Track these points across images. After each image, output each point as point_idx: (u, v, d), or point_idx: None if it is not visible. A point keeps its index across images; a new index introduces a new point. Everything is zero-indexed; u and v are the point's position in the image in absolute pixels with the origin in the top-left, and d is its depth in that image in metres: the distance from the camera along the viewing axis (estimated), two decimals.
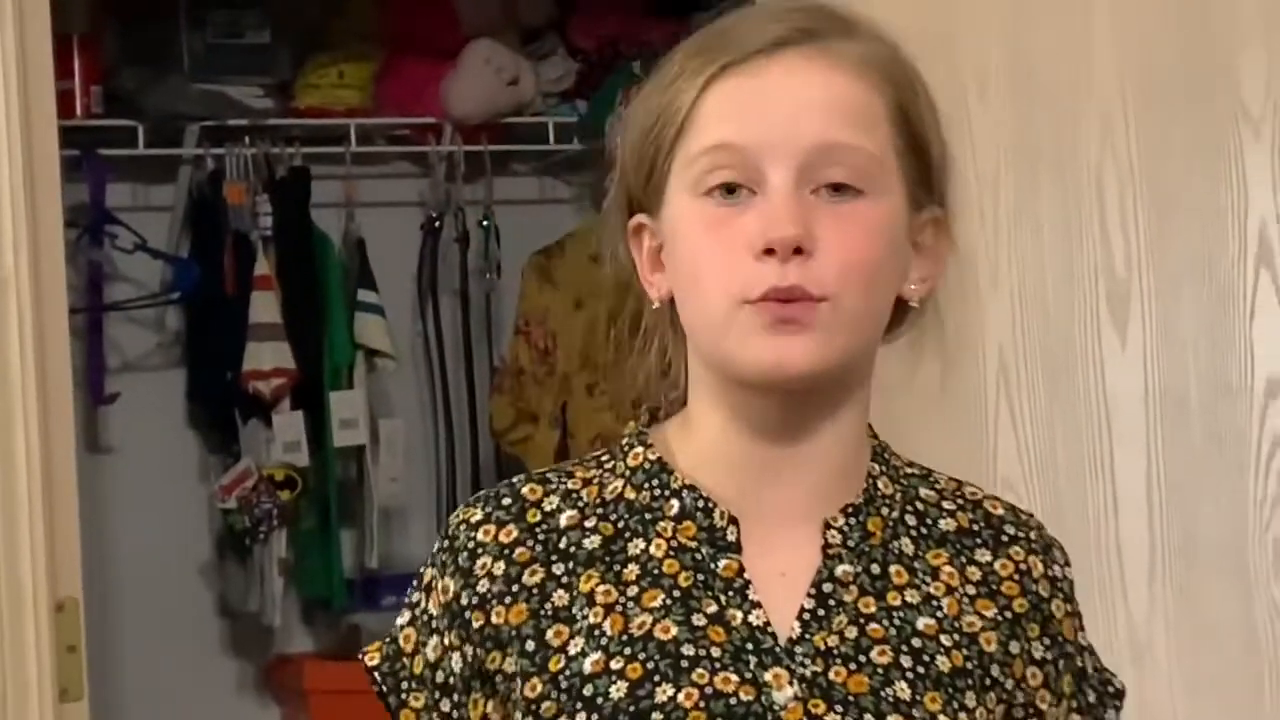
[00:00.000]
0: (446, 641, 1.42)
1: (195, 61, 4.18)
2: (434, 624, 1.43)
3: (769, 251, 1.33)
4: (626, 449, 1.45)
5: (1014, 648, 1.42)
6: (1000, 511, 1.47)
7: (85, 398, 4.17)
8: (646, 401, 1.48)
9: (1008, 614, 1.42)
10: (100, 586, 4.09)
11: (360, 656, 1.47)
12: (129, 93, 4.15)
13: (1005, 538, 1.45)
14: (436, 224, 4.38)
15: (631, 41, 4.23)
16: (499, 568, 1.41)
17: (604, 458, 1.47)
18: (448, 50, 4.31)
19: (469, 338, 4.41)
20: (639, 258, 1.45)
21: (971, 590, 1.42)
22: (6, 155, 2.28)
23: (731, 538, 1.40)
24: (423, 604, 1.44)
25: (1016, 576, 1.44)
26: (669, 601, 1.38)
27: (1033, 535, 1.47)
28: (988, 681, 1.40)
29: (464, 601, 1.41)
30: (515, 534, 1.41)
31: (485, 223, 4.38)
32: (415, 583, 1.46)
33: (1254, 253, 2.18)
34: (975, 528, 1.45)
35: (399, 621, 1.46)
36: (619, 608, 1.38)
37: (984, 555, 1.44)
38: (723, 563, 1.39)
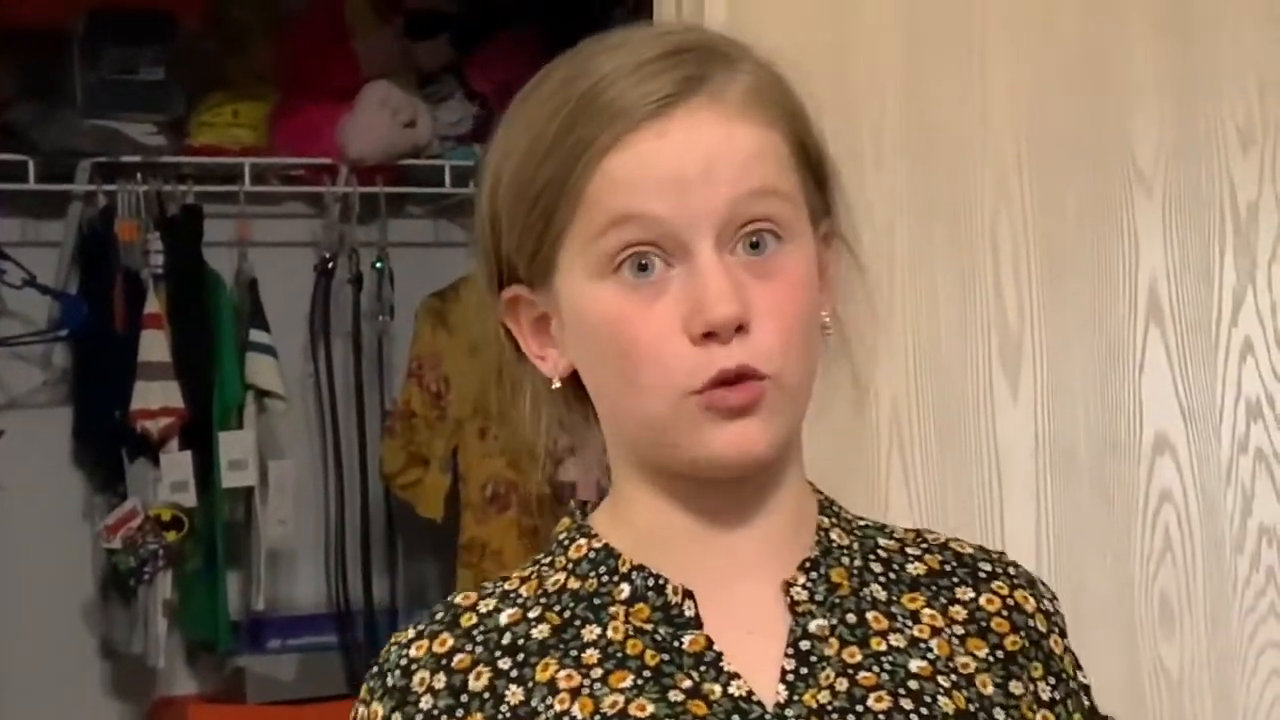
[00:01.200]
0: None
1: (89, 97, 4.15)
2: None
3: (708, 335, 1.26)
4: (566, 543, 1.37)
5: (1015, 688, 1.34)
6: (970, 550, 1.41)
7: None
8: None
9: (999, 653, 1.35)
10: None
11: None
12: (20, 127, 4.11)
13: (983, 574, 1.39)
14: (330, 265, 4.36)
15: None
16: (439, 680, 1.31)
17: (540, 558, 1.38)
18: (344, 91, 4.30)
19: (360, 380, 4.39)
20: (518, 331, 1.36)
21: (960, 630, 1.35)
22: None
23: (689, 613, 1.32)
24: None
25: (1005, 612, 1.37)
26: (639, 681, 1.29)
27: (1012, 570, 1.40)
28: None
29: None
30: (451, 642, 1.32)
31: (379, 265, 4.36)
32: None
33: (1144, 309, 2.20)
34: (948, 568, 1.39)
35: None
36: (585, 690, 1.29)
37: (966, 593, 1.37)
38: (687, 638, 1.31)
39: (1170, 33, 2.21)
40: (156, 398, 4.02)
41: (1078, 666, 1.41)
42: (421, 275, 4.35)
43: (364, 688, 1.34)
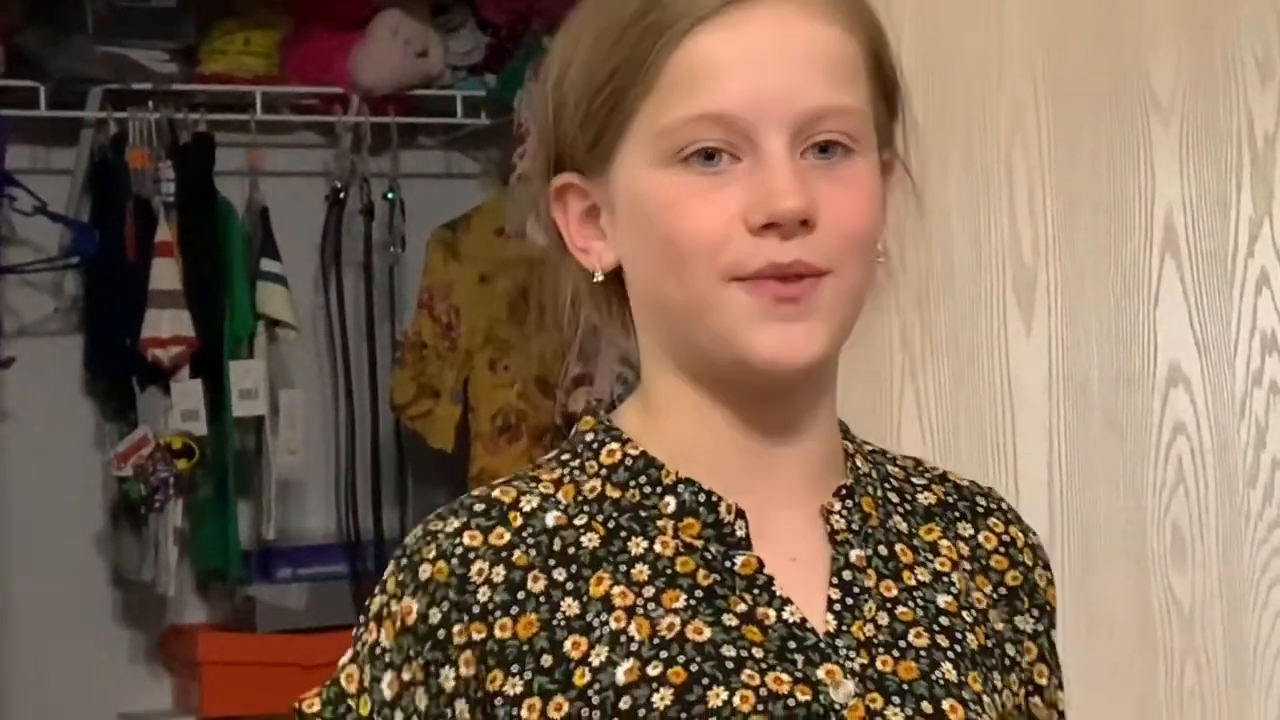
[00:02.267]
0: (408, 675, 1.25)
1: (99, 23, 4.12)
2: (388, 657, 1.26)
3: (768, 226, 1.22)
4: (596, 446, 1.31)
5: (1020, 623, 1.35)
6: (966, 483, 1.40)
7: None
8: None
9: (1002, 590, 1.35)
10: None
11: (296, 705, 1.29)
12: (31, 53, 4.09)
13: (980, 509, 1.38)
14: (341, 195, 4.35)
15: (543, 16, 4.21)
16: (499, 574, 1.25)
17: (565, 457, 1.32)
18: (356, 20, 4.28)
19: (371, 310, 4.39)
20: (564, 222, 1.31)
21: (968, 565, 1.34)
22: None
23: (741, 533, 1.27)
24: (372, 636, 1.27)
25: (1002, 549, 1.37)
26: (693, 601, 1.25)
27: (1004, 505, 1.40)
28: (1007, 662, 1.33)
29: (437, 619, 1.24)
30: (508, 537, 1.26)
31: (390, 195, 4.35)
32: (361, 618, 1.29)
33: (1159, 242, 2.20)
34: (950, 499, 1.37)
35: (341, 661, 1.29)
36: (640, 610, 1.24)
37: (966, 529, 1.37)
38: (739, 559, 1.27)
39: None
40: (167, 326, 4.01)
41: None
42: (433, 206, 4.33)
43: (385, 583, 1.27)
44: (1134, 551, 2.19)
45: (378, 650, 1.26)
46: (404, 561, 1.27)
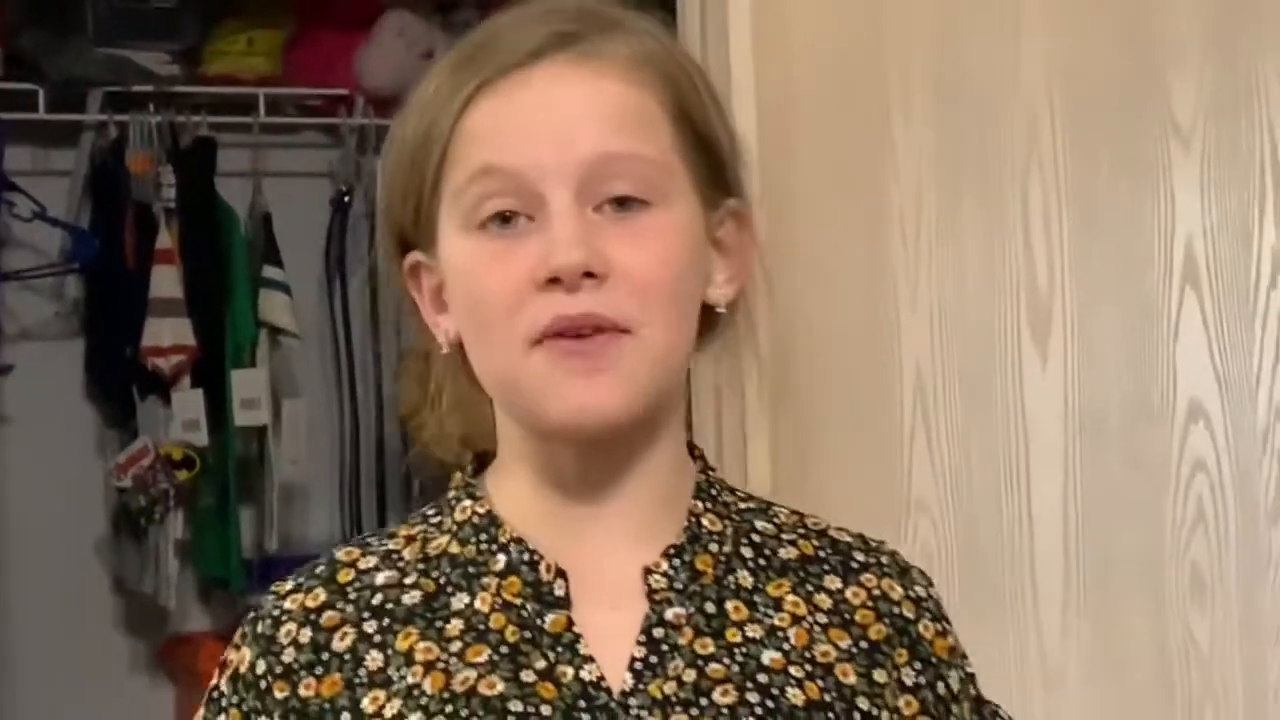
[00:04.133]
0: (237, 716, 1.32)
1: (100, 25, 4.10)
2: (223, 701, 1.33)
3: (553, 281, 1.24)
4: (454, 503, 1.36)
5: (879, 676, 1.34)
6: (848, 539, 1.40)
7: None
8: (445, 456, 1.40)
9: (863, 643, 1.35)
10: None
11: None
12: (30, 55, 4.06)
13: (855, 564, 1.38)
14: (346, 198, 4.31)
15: None
16: (305, 635, 1.31)
17: (430, 512, 1.38)
18: (361, 20, 4.26)
19: (377, 316, 4.34)
20: (420, 299, 1.35)
21: (823, 619, 1.35)
22: None
23: (560, 592, 1.31)
24: (214, 681, 1.34)
25: (871, 603, 1.37)
26: (495, 658, 1.29)
27: (884, 560, 1.40)
28: (856, 715, 1.32)
29: (261, 670, 1.31)
30: (323, 597, 1.32)
31: None
32: (217, 671, 1.36)
33: (1180, 270, 2.13)
34: (821, 554, 1.38)
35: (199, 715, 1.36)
36: (440, 665, 1.29)
37: (834, 582, 1.37)
38: (550, 618, 1.31)
39: None
40: (168, 335, 3.99)
41: (961, 655, 1.40)
42: None
43: (239, 631, 1.35)
44: (1152, 590, 2.13)
45: (215, 694, 1.34)
46: (250, 614, 1.35)
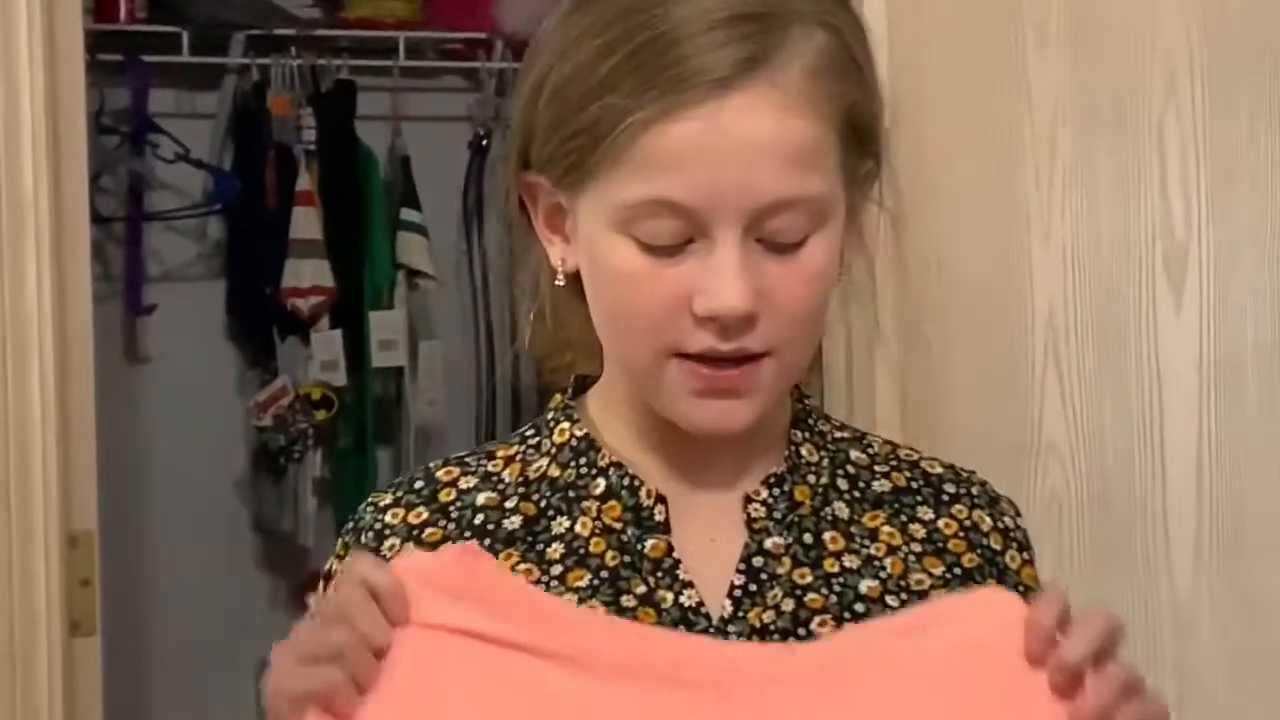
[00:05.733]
0: None
1: None
2: None
3: (713, 317, 1.24)
4: (552, 425, 1.38)
5: None
6: (939, 470, 1.42)
7: (124, 308, 4.14)
8: (551, 365, 1.41)
9: (957, 570, 1.36)
10: (135, 494, 4.08)
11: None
12: None
13: (946, 496, 1.40)
14: (484, 142, 4.31)
15: None
16: (409, 550, 1.32)
17: (529, 433, 1.39)
18: None
19: (514, 259, 4.34)
20: (533, 209, 1.34)
21: (917, 548, 1.37)
22: (27, 64, 2.20)
23: (660, 517, 1.33)
24: (319, 594, 1.34)
25: (962, 533, 1.38)
26: (596, 582, 1.31)
27: (975, 490, 1.41)
28: None
29: None
30: (425, 515, 1.34)
31: None
32: (321, 582, 1.37)
33: None
34: (914, 485, 1.40)
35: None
36: (541, 588, 1.30)
37: (926, 513, 1.39)
38: (650, 543, 1.32)
39: None
40: (307, 276, 4.01)
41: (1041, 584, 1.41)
42: None
43: (339, 542, 1.37)
44: None
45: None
46: (349, 525, 1.37)
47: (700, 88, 1.22)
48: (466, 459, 1.38)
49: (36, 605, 2.16)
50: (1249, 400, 2.10)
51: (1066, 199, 2.09)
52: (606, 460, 1.34)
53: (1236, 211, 2.09)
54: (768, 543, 1.33)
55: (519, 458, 1.37)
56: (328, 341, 4.04)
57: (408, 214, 4.14)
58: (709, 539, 1.33)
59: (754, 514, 1.34)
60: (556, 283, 1.34)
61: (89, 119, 2.50)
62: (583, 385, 1.40)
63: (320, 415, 4.02)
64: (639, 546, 1.32)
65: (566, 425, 1.37)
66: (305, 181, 4.03)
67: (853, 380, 2.10)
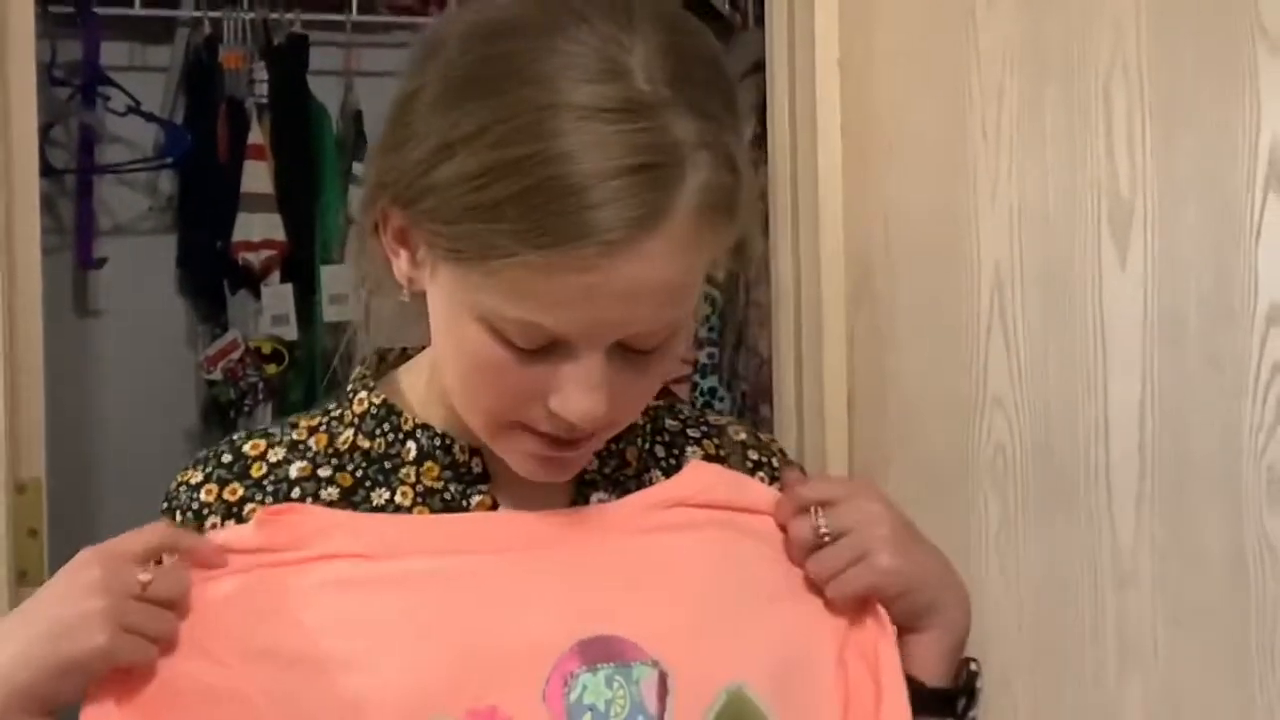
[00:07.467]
0: None
1: None
2: None
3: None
4: (351, 395, 1.38)
5: None
6: (743, 437, 1.46)
7: (75, 261, 4.13)
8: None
9: None
10: (84, 448, 4.07)
11: None
12: None
13: (750, 464, 1.44)
14: None
15: None
16: (229, 527, 1.32)
17: (330, 406, 1.40)
18: None
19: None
20: (382, 225, 1.28)
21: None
22: None
23: (478, 469, 1.34)
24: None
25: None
26: None
27: (775, 462, 1.46)
28: None
29: None
30: (241, 491, 1.34)
31: None
32: None
33: (1263, 174, 2.11)
34: (721, 454, 1.44)
35: None
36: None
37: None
38: (475, 499, 1.34)
39: None
40: (258, 230, 4.00)
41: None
42: None
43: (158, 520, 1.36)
44: (1229, 493, 2.11)
45: None
46: (163, 506, 1.39)
47: (594, 247, 1.16)
48: (270, 430, 1.38)
49: None
50: (1191, 354, 2.11)
51: (1014, 154, 2.10)
52: (411, 424, 1.34)
53: (1181, 166, 2.10)
54: (594, 497, 1.36)
55: (323, 428, 1.37)
56: (279, 296, 4.04)
57: (360, 168, 4.14)
58: (533, 496, 1.33)
59: (587, 467, 1.36)
60: (400, 298, 1.29)
61: (40, 71, 2.48)
62: (383, 358, 1.40)
63: (271, 369, 4.02)
64: (464, 504, 1.33)
65: (364, 394, 1.37)
66: (257, 135, 4.02)
67: (801, 333, 2.11)
